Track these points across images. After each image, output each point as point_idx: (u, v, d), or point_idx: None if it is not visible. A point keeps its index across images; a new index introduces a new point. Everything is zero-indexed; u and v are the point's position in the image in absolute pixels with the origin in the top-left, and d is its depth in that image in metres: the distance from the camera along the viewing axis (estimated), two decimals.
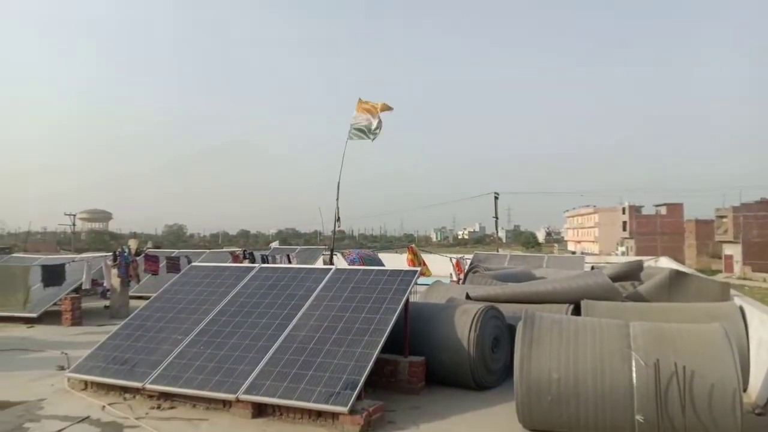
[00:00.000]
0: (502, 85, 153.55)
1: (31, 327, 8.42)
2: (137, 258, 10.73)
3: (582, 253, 46.82)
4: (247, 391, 4.21)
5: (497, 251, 26.93)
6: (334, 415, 3.94)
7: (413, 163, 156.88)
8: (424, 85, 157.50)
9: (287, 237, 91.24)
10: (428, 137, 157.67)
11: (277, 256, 12.80)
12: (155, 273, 10.80)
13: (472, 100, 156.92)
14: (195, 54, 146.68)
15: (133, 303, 9.82)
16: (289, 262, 12.46)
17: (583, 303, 5.45)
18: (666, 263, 14.37)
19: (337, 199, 10.28)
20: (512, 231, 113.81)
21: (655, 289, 6.21)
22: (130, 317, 5.65)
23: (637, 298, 6.13)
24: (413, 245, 11.72)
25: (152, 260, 10.81)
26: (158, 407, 4.44)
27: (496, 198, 30.80)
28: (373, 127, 10.53)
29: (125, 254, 9.99)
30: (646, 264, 9.65)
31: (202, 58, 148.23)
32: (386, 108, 10.62)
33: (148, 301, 5.89)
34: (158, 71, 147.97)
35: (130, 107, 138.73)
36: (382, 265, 9.01)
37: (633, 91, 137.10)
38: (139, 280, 10.61)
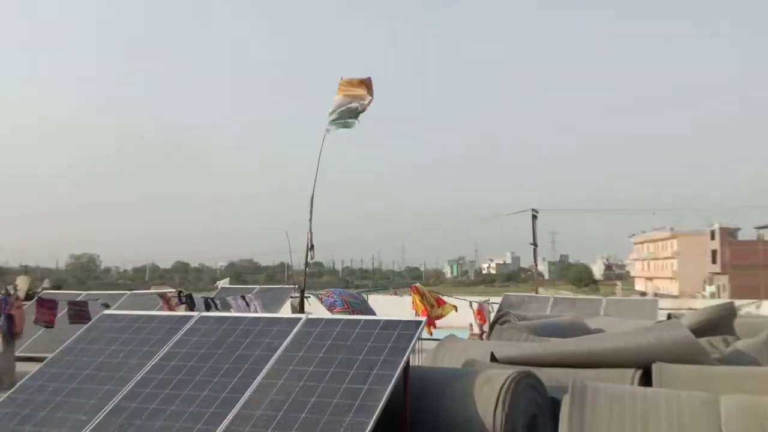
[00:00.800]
0: (539, 63, 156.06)
1: None
2: (25, 303, 10.62)
3: (655, 294, 46.84)
4: None
5: (536, 292, 26.94)
6: None
7: (419, 167, 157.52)
8: (434, 60, 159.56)
9: (242, 272, 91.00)
10: (440, 131, 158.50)
11: (228, 300, 12.74)
12: (50, 324, 10.43)
13: (500, 80, 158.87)
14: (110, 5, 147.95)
15: (20, 367, 9.69)
16: (247, 306, 12.39)
17: (655, 367, 5.38)
18: None
19: (311, 219, 10.57)
20: (557, 263, 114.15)
21: (757, 349, 6.17)
22: (13, 390, 5.56)
23: (731, 360, 6.09)
24: (419, 284, 11.69)
25: (47, 306, 10.50)
26: None
27: (534, 217, 30.75)
28: (361, 109, 10.89)
29: (7, 298, 9.85)
30: (743, 310, 9.62)
31: (124, 10, 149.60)
32: (369, 83, 11.00)
33: (41, 365, 5.83)
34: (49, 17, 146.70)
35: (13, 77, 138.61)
36: (373, 312, 8.99)
37: (725, 69, 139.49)
38: (20, 336, 10.30)
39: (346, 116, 11.25)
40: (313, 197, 10.84)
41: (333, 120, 11.30)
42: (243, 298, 12.77)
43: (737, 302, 10.31)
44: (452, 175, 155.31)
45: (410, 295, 11.63)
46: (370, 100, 11.27)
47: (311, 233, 10.51)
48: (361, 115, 11.20)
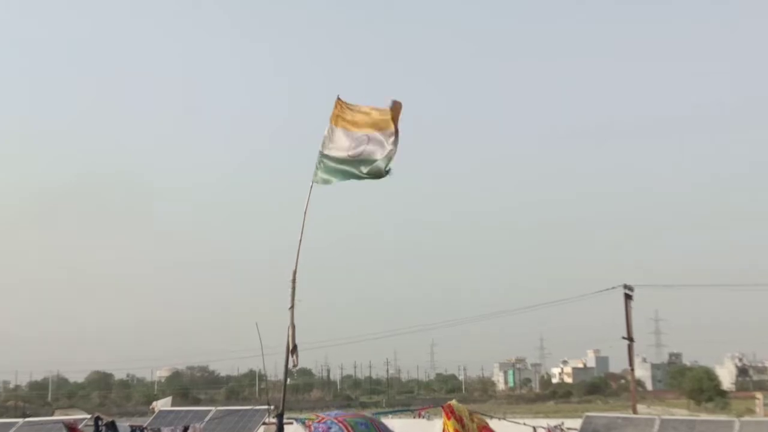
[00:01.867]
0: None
1: None
2: None
3: None
4: None
5: (634, 411, 26.06)
6: None
7: (452, 218, 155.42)
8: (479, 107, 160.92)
9: (191, 386, 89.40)
10: (480, 167, 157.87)
11: (166, 431, 12.55)
12: None
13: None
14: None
15: None
16: None
17: None
18: None
19: (293, 306, 10.39)
20: (665, 366, 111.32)
21: None
22: None
23: None
24: (455, 402, 11.48)
25: None
26: None
27: (627, 297, 30.61)
28: (382, 156, 10.67)
29: None
30: None
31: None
32: (397, 110, 10.80)
33: None
34: None
35: None
36: None
37: None
38: None
39: (359, 165, 11.04)
40: (296, 272, 10.79)
41: (328, 163, 11.25)
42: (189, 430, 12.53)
43: None
44: (500, 237, 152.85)
45: (442, 418, 11.38)
46: (395, 139, 10.97)
47: (293, 327, 10.30)
48: (390, 165, 10.73)
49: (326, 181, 11.13)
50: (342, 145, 11.17)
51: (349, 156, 11.08)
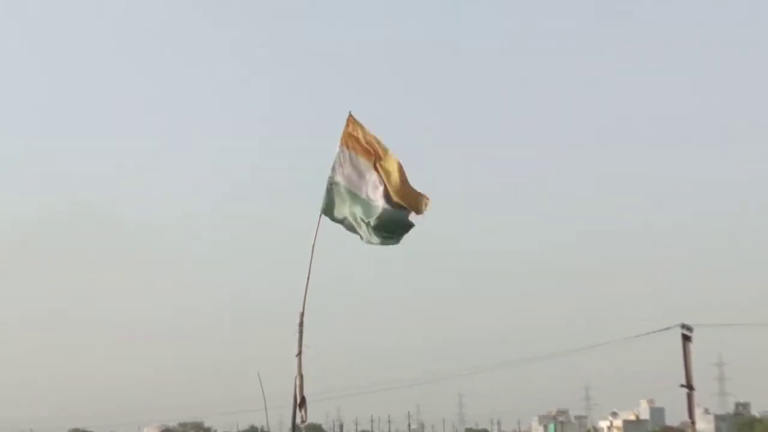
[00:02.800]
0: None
1: None
2: None
3: None
4: None
5: None
6: None
7: (482, 251, 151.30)
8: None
9: None
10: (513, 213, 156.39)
11: None
12: None
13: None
14: None
15: None
16: None
17: None
18: None
19: (300, 353, 9.69)
20: (730, 417, 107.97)
21: None
22: None
23: None
24: None
25: None
26: None
27: (686, 338, 29.55)
28: (377, 212, 9.60)
29: None
30: None
31: None
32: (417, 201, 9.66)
33: None
34: None
35: None
36: None
37: None
38: None
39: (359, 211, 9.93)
40: (303, 314, 9.76)
41: (336, 190, 10.18)
42: None
43: None
44: (538, 273, 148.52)
45: None
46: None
47: (301, 377, 9.57)
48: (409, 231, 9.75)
49: (341, 220, 10.06)
50: (357, 178, 10.14)
51: (369, 199, 9.94)
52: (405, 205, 9.62)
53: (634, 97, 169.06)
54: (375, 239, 9.70)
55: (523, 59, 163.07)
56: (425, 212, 9.62)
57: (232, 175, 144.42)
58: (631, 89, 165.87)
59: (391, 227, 9.69)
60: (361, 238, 9.85)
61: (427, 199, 9.62)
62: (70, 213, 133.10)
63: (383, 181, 9.73)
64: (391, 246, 9.88)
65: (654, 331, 34.27)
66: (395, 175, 9.67)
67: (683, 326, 30.41)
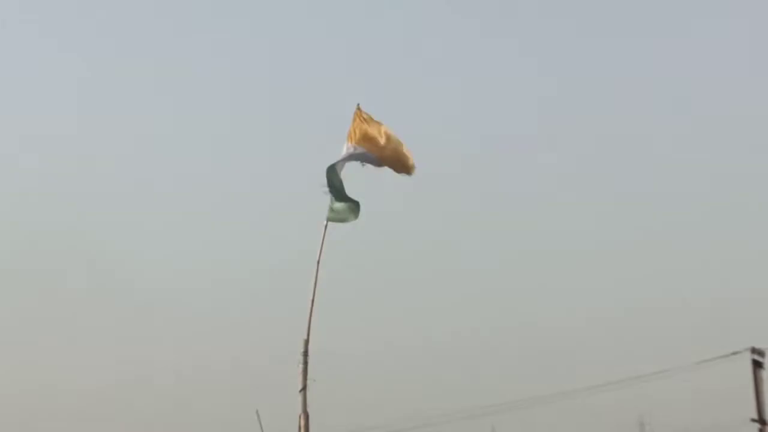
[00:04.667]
0: None
1: None
2: None
3: None
4: None
5: None
6: None
7: (511, 257, 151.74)
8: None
9: None
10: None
11: None
12: None
13: None
14: None
15: None
16: None
17: None
18: None
19: (304, 388, 9.01)
20: None
21: None
22: None
23: None
24: None
25: None
26: None
27: (757, 365, 28.14)
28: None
29: None
30: None
31: None
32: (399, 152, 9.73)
33: None
34: None
35: None
36: None
37: None
38: None
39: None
40: (308, 342, 9.06)
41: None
42: None
43: None
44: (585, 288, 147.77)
45: None
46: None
47: (306, 415, 8.93)
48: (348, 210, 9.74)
49: (342, 218, 9.57)
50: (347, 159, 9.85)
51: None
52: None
53: None
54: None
55: None
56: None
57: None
58: None
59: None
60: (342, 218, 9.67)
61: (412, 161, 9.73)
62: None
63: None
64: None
65: (720, 357, 32.72)
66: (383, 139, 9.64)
67: (754, 350, 28.67)
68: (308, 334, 8.97)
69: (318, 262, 9.14)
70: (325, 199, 9.49)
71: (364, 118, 9.68)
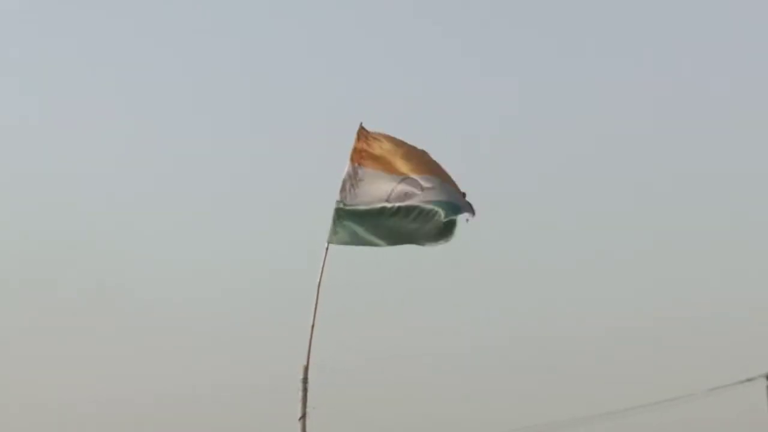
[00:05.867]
0: None
1: None
2: None
3: None
4: None
5: None
6: None
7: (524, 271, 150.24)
8: None
9: None
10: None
11: None
12: None
13: None
14: None
15: None
16: None
17: None
18: None
19: (304, 416, 8.56)
20: None
21: None
22: None
23: None
24: None
25: None
26: None
27: None
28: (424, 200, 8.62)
29: None
30: None
31: None
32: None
33: None
34: None
35: None
36: None
37: None
38: None
39: (404, 216, 8.87)
40: (308, 368, 8.67)
41: (356, 227, 9.08)
42: None
43: None
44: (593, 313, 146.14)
45: None
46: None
47: None
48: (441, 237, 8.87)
49: (349, 240, 9.04)
50: (374, 193, 9.01)
51: (388, 205, 8.87)
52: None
53: None
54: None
55: None
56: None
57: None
58: None
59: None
60: (377, 244, 8.93)
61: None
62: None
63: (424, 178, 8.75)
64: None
65: (733, 383, 32.55)
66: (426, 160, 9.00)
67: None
68: (308, 360, 8.61)
69: (318, 285, 8.78)
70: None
71: (375, 138, 9.14)
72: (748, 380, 30.13)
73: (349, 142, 9.22)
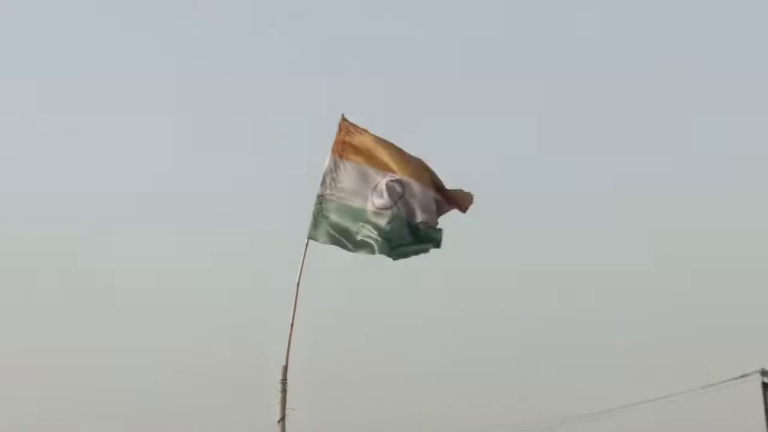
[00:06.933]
0: None
1: None
2: None
3: None
4: None
5: None
6: None
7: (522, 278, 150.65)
8: None
9: None
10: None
11: None
12: None
13: None
14: None
15: None
16: None
17: None
18: None
19: (283, 418, 8.45)
20: None
21: None
22: None
23: None
24: None
25: None
26: None
27: (766, 386, 28.17)
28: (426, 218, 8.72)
29: None
30: None
31: None
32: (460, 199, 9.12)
33: None
34: None
35: None
36: None
37: None
38: None
39: (401, 228, 8.80)
40: (287, 367, 8.61)
41: (343, 224, 8.98)
42: None
43: None
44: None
45: None
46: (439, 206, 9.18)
47: None
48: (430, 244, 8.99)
49: (334, 241, 8.91)
50: (356, 188, 8.93)
51: (377, 209, 8.80)
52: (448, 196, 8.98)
53: None
54: (381, 247, 8.62)
55: None
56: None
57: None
58: None
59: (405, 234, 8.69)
60: (349, 248, 8.79)
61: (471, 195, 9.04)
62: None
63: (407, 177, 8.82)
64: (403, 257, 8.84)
65: (727, 380, 32.38)
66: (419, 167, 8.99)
67: (763, 373, 28.40)
68: (287, 360, 8.46)
69: (298, 284, 8.58)
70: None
71: (359, 132, 9.05)
72: (743, 377, 29.95)
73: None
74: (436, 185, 8.91)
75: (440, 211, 8.91)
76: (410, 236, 8.67)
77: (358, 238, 8.68)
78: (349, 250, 8.75)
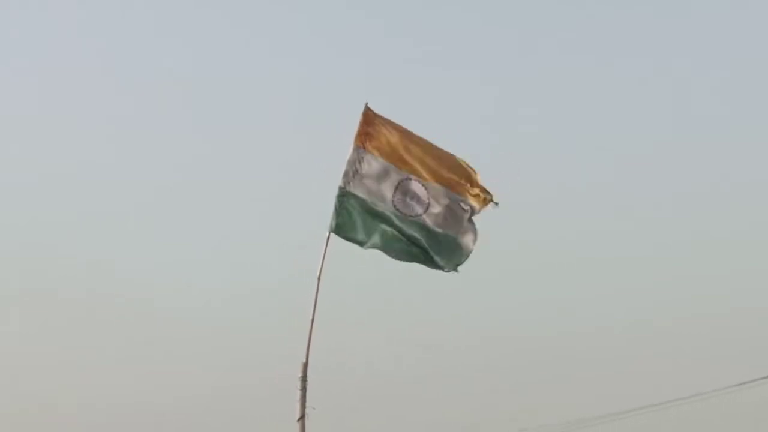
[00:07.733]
0: None
1: None
2: None
3: None
4: None
5: None
6: None
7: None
8: None
9: None
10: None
11: None
12: None
13: None
14: None
15: None
16: None
17: None
18: None
19: (303, 417, 8.31)
20: None
21: None
22: None
23: None
24: None
25: None
26: None
27: None
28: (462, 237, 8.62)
29: None
30: None
31: None
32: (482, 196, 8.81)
33: None
34: None
35: None
36: None
37: None
38: None
39: (425, 235, 8.71)
40: (307, 364, 8.47)
41: (366, 221, 8.86)
42: None
43: None
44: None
45: None
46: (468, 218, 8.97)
47: None
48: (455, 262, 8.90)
49: (349, 237, 8.77)
50: (379, 187, 8.80)
51: (398, 212, 8.68)
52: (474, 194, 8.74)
53: None
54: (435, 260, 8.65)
55: None
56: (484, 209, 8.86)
57: None
58: None
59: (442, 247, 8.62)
60: (369, 245, 8.71)
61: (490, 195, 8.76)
62: None
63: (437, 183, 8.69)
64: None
65: (750, 381, 31.84)
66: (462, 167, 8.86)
67: None
68: (307, 358, 8.35)
69: (319, 277, 8.48)
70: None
71: (384, 125, 8.86)
72: (766, 378, 29.39)
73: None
74: (470, 179, 8.73)
75: (470, 214, 8.76)
76: (436, 246, 8.57)
77: (380, 240, 8.58)
78: (363, 246, 8.70)
